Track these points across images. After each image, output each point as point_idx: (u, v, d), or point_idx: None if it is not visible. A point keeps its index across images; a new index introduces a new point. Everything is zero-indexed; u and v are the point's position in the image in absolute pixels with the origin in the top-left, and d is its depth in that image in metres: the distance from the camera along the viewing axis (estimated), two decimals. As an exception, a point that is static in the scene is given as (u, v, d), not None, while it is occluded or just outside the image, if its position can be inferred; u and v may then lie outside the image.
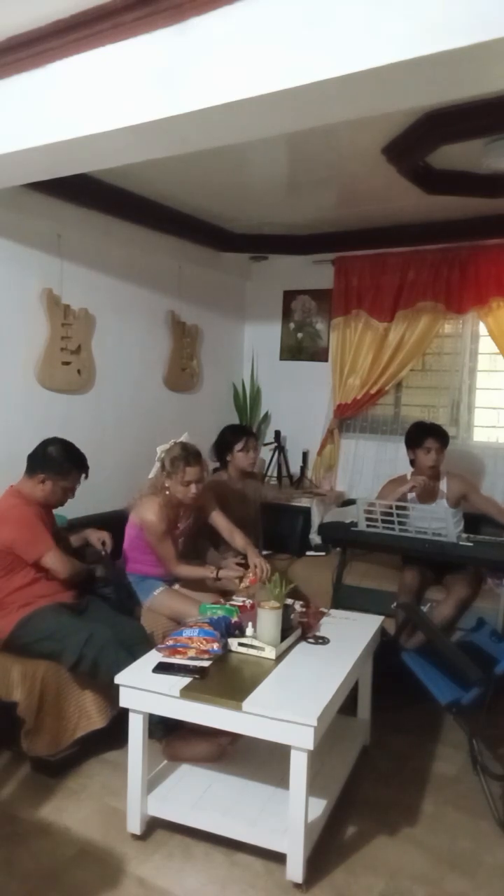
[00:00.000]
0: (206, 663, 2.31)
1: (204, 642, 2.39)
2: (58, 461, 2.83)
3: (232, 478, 3.77)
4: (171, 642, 2.42)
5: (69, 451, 2.88)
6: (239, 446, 3.71)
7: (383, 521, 3.44)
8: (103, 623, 2.71)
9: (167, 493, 3.12)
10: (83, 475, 2.91)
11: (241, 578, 3.06)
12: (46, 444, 2.89)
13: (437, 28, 1.57)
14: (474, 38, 1.53)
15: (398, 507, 3.42)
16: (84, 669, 2.58)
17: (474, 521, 3.76)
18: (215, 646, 2.38)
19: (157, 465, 3.17)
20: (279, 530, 4.25)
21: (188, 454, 3.09)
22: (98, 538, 3.08)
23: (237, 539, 3.35)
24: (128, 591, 3.13)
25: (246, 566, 3.12)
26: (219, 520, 3.39)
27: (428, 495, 3.71)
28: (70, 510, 3.13)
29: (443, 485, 3.73)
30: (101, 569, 3.06)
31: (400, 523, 3.42)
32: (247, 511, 3.82)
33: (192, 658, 2.33)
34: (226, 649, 2.44)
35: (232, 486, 3.76)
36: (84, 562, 3.02)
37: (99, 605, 2.91)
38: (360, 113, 2.00)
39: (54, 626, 2.64)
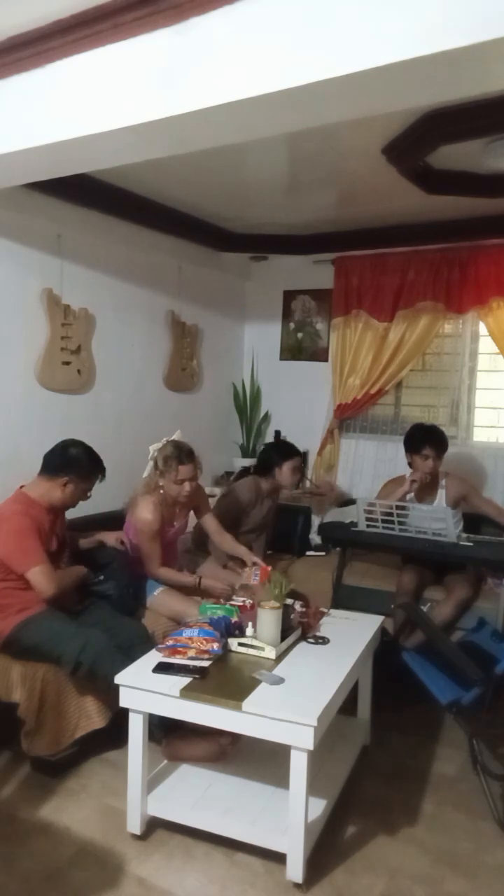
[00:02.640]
0: (206, 663, 2.31)
1: (204, 642, 2.39)
2: (83, 464, 2.82)
3: (268, 486, 3.83)
4: (171, 642, 2.42)
5: (91, 454, 2.87)
6: (292, 464, 3.77)
7: (383, 521, 3.45)
8: (101, 626, 2.70)
9: (161, 491, 3.12)
10: (101, 478, 2.91)
11: (234, 585, 3.08)
12: (67, 445, 2.86)
13: (437, 28, 1.57)
14: (474, 38, 1.53)
15: (398, 507, 3.43)
16: (82, 675, 2.58)
17: (474, 522, 3.76)
18: (215, 646, 2.38)
19: (151, 464, 3.17)
20: (279, 530, 4.24)
21: (181, 452, 3.09)
22: (116, 538, 3.10)
23: (227, 543, 3.36)
24: (134, 592, 3.10)
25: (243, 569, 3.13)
26: (209, 522, 3.40)
27: (427, 497, 3.71)
28: (69, 510, 3.11)
29: (442, 486, 3.73)
30: (101, 578, 2.98)
31: (400, 523, 3.42)
32: (265, 516, 3.88)
33: (192, 658, 2.33)
34: (226, 649, 2.44)
35: (263, 492, 3.82)
36: (95, 564, 2.99)
37: (99, 607, 2.89)
38: (360, 113, 2.00)
39: (49, 633, 2.62)
